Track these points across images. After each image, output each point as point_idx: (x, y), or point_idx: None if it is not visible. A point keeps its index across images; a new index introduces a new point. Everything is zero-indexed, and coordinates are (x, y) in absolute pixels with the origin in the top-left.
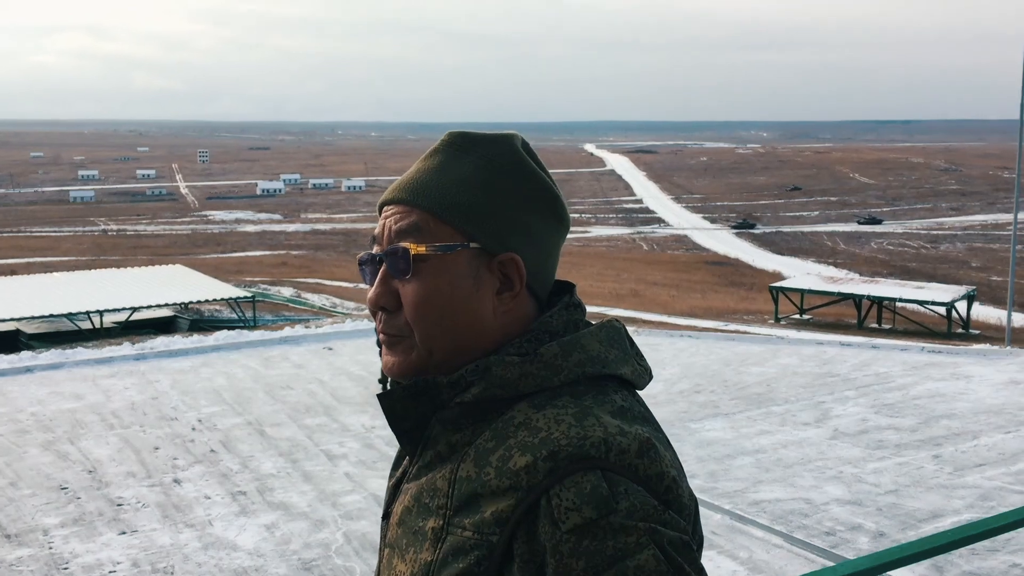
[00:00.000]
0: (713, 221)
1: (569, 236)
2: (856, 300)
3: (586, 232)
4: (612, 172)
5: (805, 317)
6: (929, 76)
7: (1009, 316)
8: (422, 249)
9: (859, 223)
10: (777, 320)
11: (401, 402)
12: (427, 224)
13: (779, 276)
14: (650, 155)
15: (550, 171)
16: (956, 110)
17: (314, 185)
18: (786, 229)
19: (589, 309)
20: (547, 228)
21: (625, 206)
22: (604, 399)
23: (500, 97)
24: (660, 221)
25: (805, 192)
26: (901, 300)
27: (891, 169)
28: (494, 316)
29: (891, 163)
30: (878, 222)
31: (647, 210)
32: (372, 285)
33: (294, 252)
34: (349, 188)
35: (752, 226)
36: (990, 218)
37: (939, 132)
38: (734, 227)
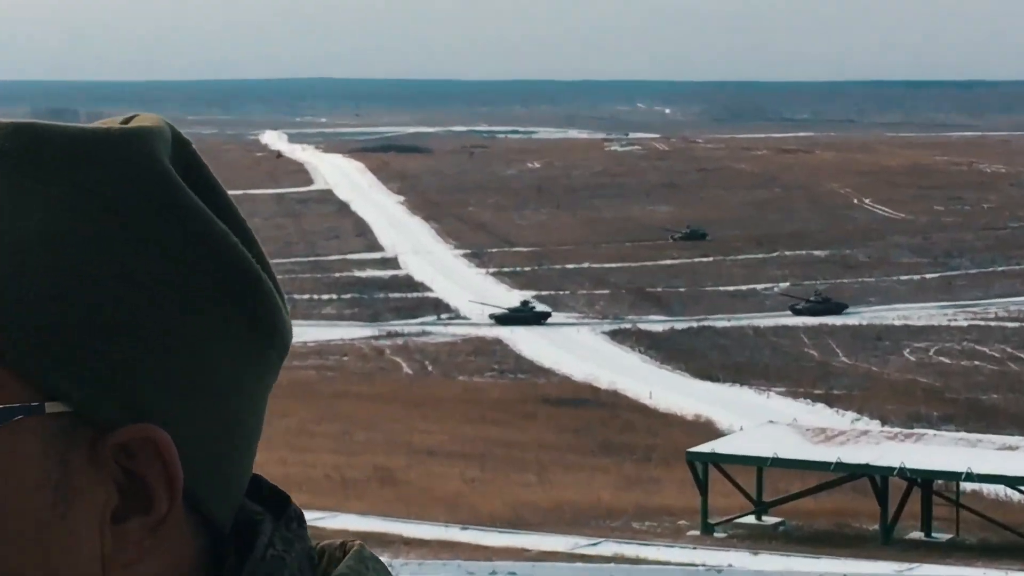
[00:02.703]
0: (557, 304)
1: None
2: (877, 479)
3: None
4: (327, 196)
5: (770, 521)
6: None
7: None
8: None
9: (795, 309)
10: (707, 531)
11: None
12: None
13: (707, 427)
14: (411, 156)
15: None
16: None
17: None
18: (722, 323)
19: None
20: (235, 348)
21: (358, 273)
22: None
23: None
24: (440, 306)
25: (753, 239)
26: (970, 478)
27: (936, 184)
28: (105, 573)
29: (935, 170)
30: (836, 308)
31: (410, 281)
32: None
33: None
34: None
35: (665, 309)
36: None
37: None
38: (607, 320)
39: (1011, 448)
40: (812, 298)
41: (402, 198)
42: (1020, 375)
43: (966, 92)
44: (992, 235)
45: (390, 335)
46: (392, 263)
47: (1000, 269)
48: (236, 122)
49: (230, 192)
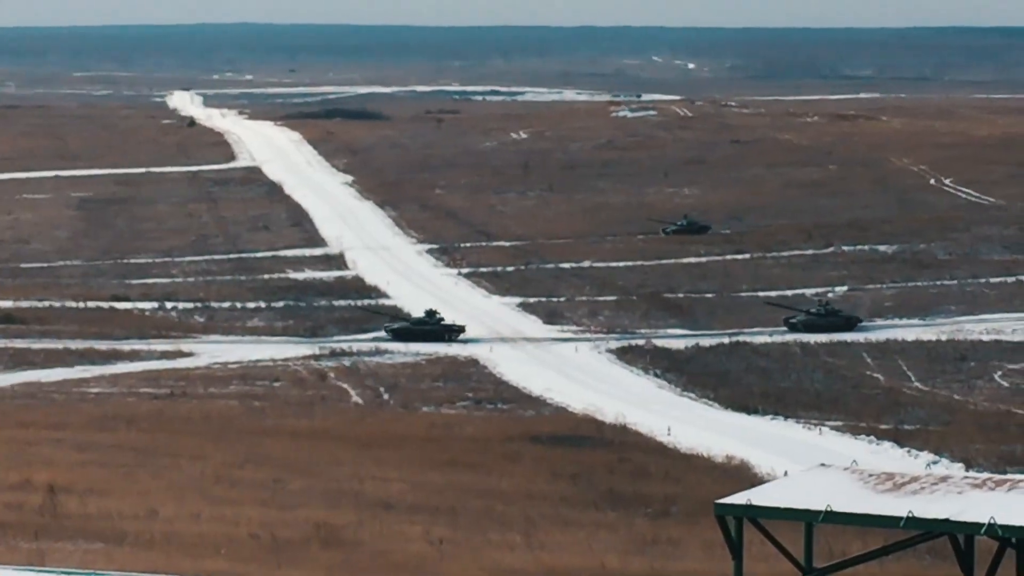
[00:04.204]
0: (552, 318)
1: (106, 364)
2: (960, 539)
3: (174, 345)
4: (253, 175)
5: None
6: None
7: None
8: None
9: (789, 323)
10: None
11: None
12: None
13: (742, 472)
14: (362, 124)
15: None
16: None
17: None
18: (761, 338)
19: None
20: None
21: (294, 274)
22: None
23: None
24: (399, 317)
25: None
26: None
27: None
28: None
29: None
30: (845, 323)
31: (360, 285)
32: None
33: None
34: None
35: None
36: None
37: None
38: (614, 335)
39: None
40: (814, 309)
41: (350, 178)
42: None
43: None
44: None
45: (334, 354)
46: (337, 262)
47: None
48: (136, 80)
49: (128, 170)
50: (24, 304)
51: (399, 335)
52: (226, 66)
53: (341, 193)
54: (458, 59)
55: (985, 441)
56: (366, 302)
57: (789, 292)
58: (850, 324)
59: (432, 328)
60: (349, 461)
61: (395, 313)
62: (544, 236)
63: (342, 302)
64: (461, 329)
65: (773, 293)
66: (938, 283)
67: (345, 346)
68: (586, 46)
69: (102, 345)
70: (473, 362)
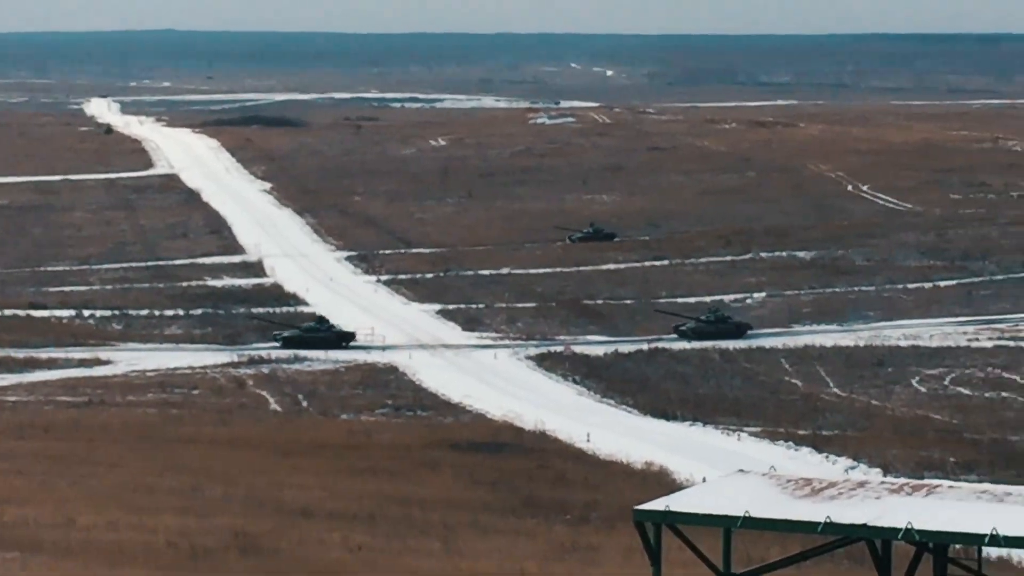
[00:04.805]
0: (471, 325)
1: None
2: (877, 544)
3: (92, 353)
4: (171, 182)
5: None
6: None
7: None
8: None
9: (679, 330)
10: None
11: None
12: None
13: (661, 478)
14: (280, 131)
15: None
16: None
17: None
18: (680, 344)
19: None
20: None
21: (212, 282)
22: None
23: None
24: (289, 327)
25: (721, 236)
26: (996, 541)
27: (953, 167)
28: None
29: (951, 149)
30: (735, 330)
31: (279, 292)
32: None
33: None
34: None
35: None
36: None
37: None
38: (533, 341)
39: None
40: (703, 316)
41: (269, 185)
42: None
43: (990, 48)
44: None
45: (253, 362)
46: (256, 269)
47: None
48: (53, 87)
49: (45, 178)
50: None
51: (290, 343)
52: (144, 73)
53: (260, 200)
54: (377, 66)
55: (902, 446)
56: (260, 310)
57: (708, 298)
58: (740, 331)
59: (324, 335)
60: (268, 469)
61: (288, 321)
62: (463, 243)
63: (261, 309)
64: (352, 336)
65: (692, 300)
66: (856, 289)
67: (264, 353)
68: (505, 53)
69: (19, 353)
70: (392, 369)
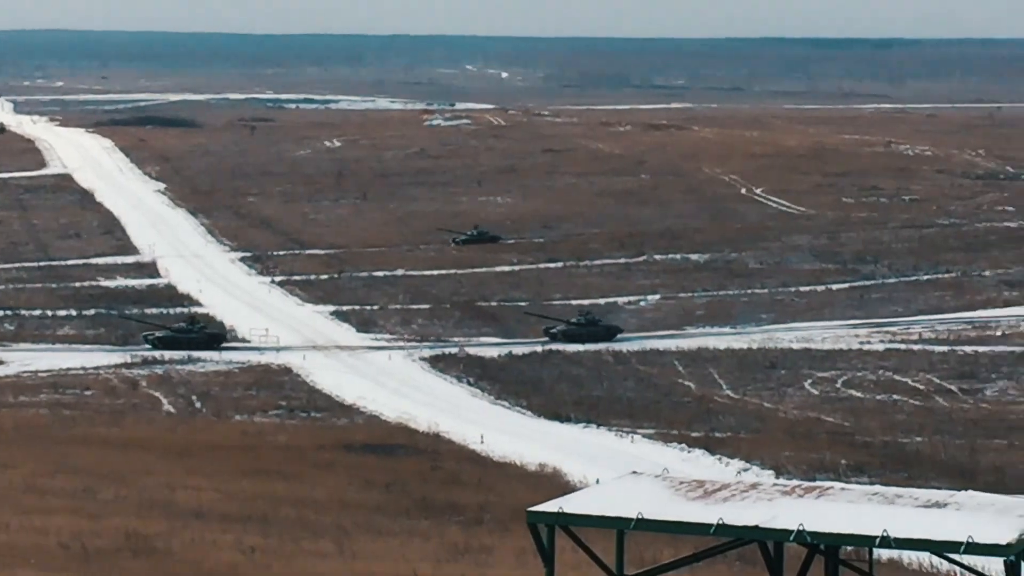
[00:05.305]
0: (365, 326)
1: None
2: (769, 545)
3: None
4: (64, 182)
5: None
6: None
7: None
8: None
9: (549, 332)
10: None
11: None
12: None
13: (554, 480)
14: (174, 131)
15: None
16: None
17: None
18: (574, 346)
19: None
20: None
21: (105, 282)
22: None
23: None
24: (211, 326)
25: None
26: (887, 543)
27: (845, 170)
28: None
29: (843, 152)
30: (605, 333)
31: (172, 293)
32: None
33: None
34: None
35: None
36: None
37: (958, 64)
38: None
39: (938, 505)
40: (574, 319)
41: (163, 185)
42: (950, 412)
43: (882, 53)
44: (915, 235)
45: (146, 362)
46: (149, 270)
47: (925, 278)
48: None
49: None
50: None
51: (162, 343)
52: (37, 72)
53: (153, 201)
54: (271, 67)
55: (795, 448)
56: (153, 311)
57: (602, 300)
58: (610, 334)
59: (195, 336)
60: (161, 470)
61: (160, 322)
62: (358, 244)
63: (154, 310)
64: (223, 337)
65: (586, 302)
66: (749, 292)
67: (157, 354)
68: (399, 55)
69: None
70: (286, 370)
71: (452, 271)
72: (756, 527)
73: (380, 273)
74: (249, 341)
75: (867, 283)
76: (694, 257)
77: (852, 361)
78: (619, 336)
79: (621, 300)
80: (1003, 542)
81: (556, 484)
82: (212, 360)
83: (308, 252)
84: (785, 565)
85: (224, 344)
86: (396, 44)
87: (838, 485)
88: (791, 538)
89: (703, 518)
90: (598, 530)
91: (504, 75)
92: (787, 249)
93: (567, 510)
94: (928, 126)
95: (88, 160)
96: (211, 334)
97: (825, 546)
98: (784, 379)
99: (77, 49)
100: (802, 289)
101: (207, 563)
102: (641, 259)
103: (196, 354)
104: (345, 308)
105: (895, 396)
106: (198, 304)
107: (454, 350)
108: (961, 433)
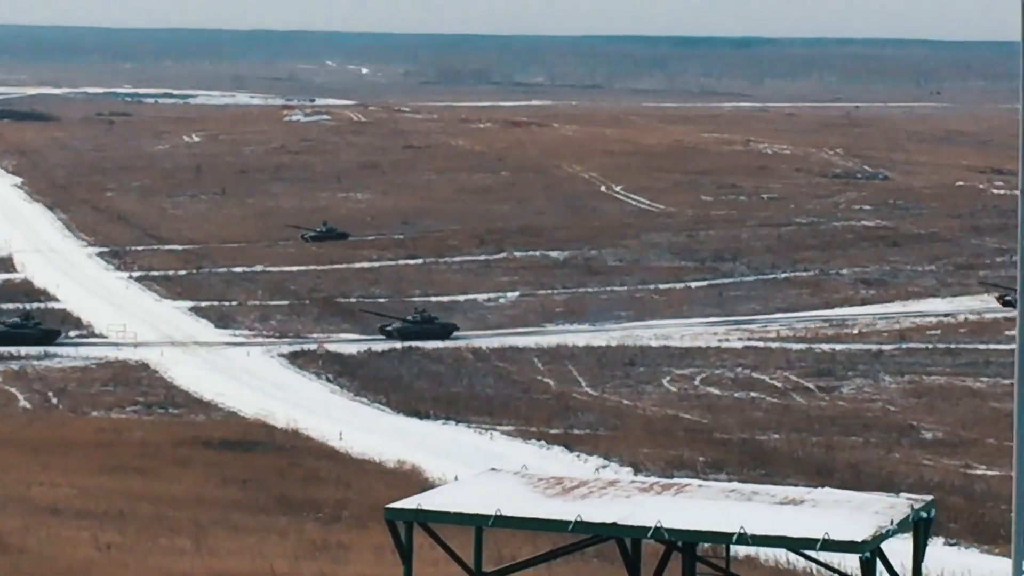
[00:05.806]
0: (224, 322)
1: None
2: (627, 542)
3: None
4: None
5: None
6: None
7: None
8: None
9: (384, 331)
10: None
11: None
12: None
13: (413, 477)
14: (31, 125)
15: None
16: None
17: None
18: (432, 343)
19: None
20: None
21: None
22: None
23: None
24: (69, 320)
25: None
26: (743, 540)
27: (705, 169)
28: None
29: (703, 151)
30: (440, 331)
31: (29, 288)
32: None
33: None
34: None
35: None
36: (956, 305)
37: (820, 64)
38: (286, 339)
39: (794, 502)
40: (410, 317)
41: (19, 180)
42: (807, 410)
43: (742, 52)
44: (773, 233)
45: (1, 358)
46: (6, 264)
47: (783, 276)
48: None
49: None
50: None
51: None
52: None
53: (10, 195)
54: (130, 61)
55: (653, 445)
56: (9, 306)
57: (461, 297)
58: (446, 332)
59: (29, 331)
60: (16, 466)
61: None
62: (216, 240)
63: (10, 305)
64: (57, 333)
65: (445, 298)
66: (608, 289)
67: (12, 350)
68: (259, 50)
69: None
70: (144, 366)
71: (311, 267)
72: (614, 524)
73: (239, 269)
74: (106, 337)
75: (726, 281)
76: (553, 254)
77: (710, 359)
78: (455, 334)
79: (481, 297)
80: (859, 539)
81: (415, 481)
82: (67, 356)
83: (166, 248)
84: (643, 562)
85: (59, 340)
86: (255, 39)
87: (696, 482)
88: (648, 535)
89: (561, 515)
90: (457, 527)
91: (364, 71)
92: (646, 247)
93: (425, 507)
94: (787, 125)
95: None
96: (46, 330)
97: (682, 543)
98: (643, 376)
99: None
100: (661, 287)
101: (62, 560)
102: (501, 256)
103: (53, 349)
104: (204, 304)
105: (753, 394)
106: (55, 299)
107: (313, 347)
108: (818, 431)
